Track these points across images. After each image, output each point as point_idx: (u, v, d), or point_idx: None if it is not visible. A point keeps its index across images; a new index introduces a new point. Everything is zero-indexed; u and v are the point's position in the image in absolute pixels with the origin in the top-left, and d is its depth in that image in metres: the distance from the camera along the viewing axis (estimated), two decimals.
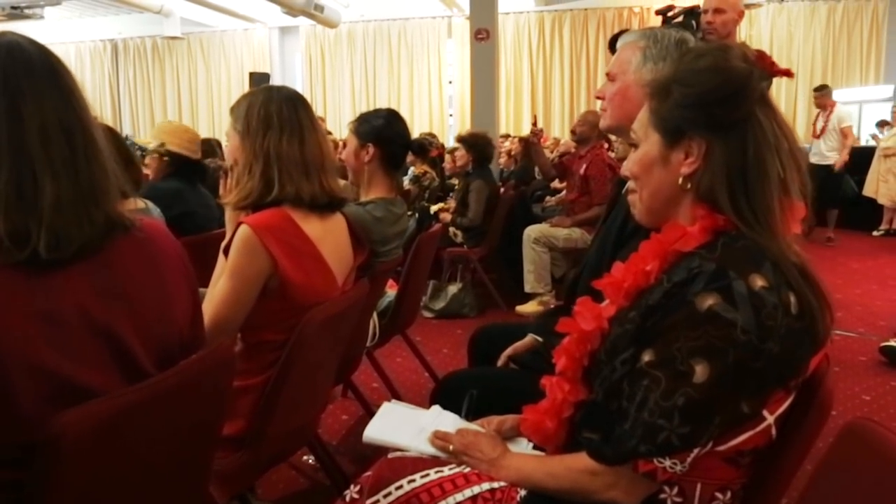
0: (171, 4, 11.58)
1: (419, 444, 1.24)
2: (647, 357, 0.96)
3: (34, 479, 0.86)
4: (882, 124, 8.49)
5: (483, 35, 6.25)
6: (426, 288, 4.37)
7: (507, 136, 9.14)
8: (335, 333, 1.70)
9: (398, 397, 2.80)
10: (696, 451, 0.95)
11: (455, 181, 5.61)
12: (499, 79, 6.90)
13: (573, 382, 1.09)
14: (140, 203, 2.45)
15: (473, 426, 1.31)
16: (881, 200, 7.93)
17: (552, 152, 7.43)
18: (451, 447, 1.21)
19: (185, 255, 1.13)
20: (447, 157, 5.56)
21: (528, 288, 4.52)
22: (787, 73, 1.18)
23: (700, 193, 1.02)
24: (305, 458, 2.41)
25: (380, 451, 1.29)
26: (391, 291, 2.75)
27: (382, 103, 13.30)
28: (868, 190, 8.05)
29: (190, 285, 1.12)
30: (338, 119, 13.39)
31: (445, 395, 1.60)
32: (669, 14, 3.39)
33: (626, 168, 1.13)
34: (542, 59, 12.62)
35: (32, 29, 13.39)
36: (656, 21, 3.63)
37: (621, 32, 1.88)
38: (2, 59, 0.91)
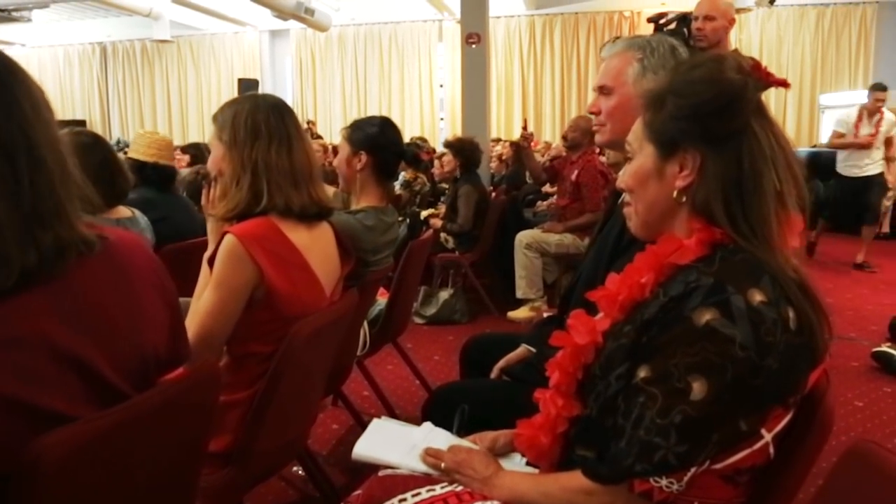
0: (160, 7, 11.53)
1: (410, 462, 1.22)
2: (643, 373, 0.94)
3: None
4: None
5: (474, 39, 6.24)
6: (417, 294, 4.34)
7: (498, 140, 9.14)
8: (324, 345, 1.68)
9: (389, 406, 2.78)
10: (693, 469, 0.93)
11: (446, 186, 5.60)
12: (490, 83, 6.89)
13: (567, 397, 1.07)
14: (126, 212, 2.42)
15: (466, 442, 1.29)
16: None
17: (543, 156, 7.43)
18: (442, 465, 1.19)
19: (161, 268, 1.08)
20: (435, 162, 5.55)
21: (519, 294, 4.50)
22: (784, 84, 1.16)
23: (696, 206, 1.01)
24: (295, 468, 2.37)
25: (370, 464, 1.27)
26: (381, 299, 2.72)
27: (373, 107, 13.30)
28: None
29: (166, 299, 1.08)
30: (328, 123, 13.37)
31: (437, 408, 1.58)
32: (661, 22, 3.39)
33: (622, 181, 1.11)
34: (533, 62, 12.66)
35: (20, 32, 13.33)
36: (647, 26, 3.62)
37: (615, 40, 1.85)
38: None
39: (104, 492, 0.97)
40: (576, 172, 4.54)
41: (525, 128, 5.20)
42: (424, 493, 1.12)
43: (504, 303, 4.67)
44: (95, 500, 0.96)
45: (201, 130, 13.66)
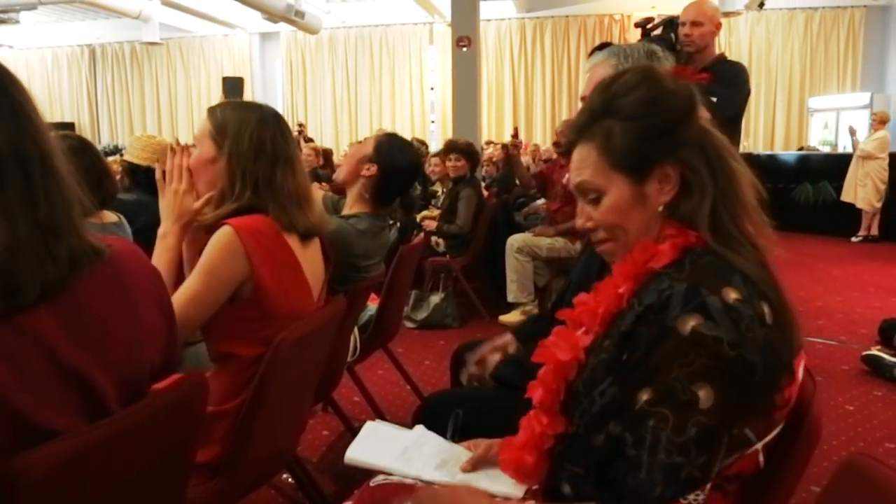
0: (149, 9, 11.47)
1: (402, 466, 1.22)
2: (645, 396, 0.92)
3: None
4: (852, 131, 8.46)
5: (465, 42, 6.25)
6: (408, 298, 4.33)
7: (489, 143, 9.14)
8: (312, 352, 1.67)
9: (380, 412, 2.77)
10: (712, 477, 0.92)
11: (438, 188, 5.58)
12: (480, 86, 6.90)
13: (551, 415, 1.06)
14: (113, 216, 2.41)
15: (460, 448, 1.28)
16: (859, 205, 8.01)
17: (534, 161, 7.42)
18: None
19: (157, 276, 1.08)
20: (435, 160, 5.53)
21: (510, 297, 4.50)
22: (703, 78, 1.22)
23: (679, 214, 1.01)
24: (285, 476, 2.35)
25: (362, 470, 1.26)
26: (372, 305, 2.71)
27: (364, 110, 13.28)
28: (846, 195, 8.13)
29: (163, 308, 1.07)
30: (318, 126, 13.35)
31: (430, 415, 1.57)
32: (649, 27, 3.40)
33: (597, 222, 1.07)
34: (524, 65, 12.68)
35: (8, 34, 13.24)
36: (636, 30, 3.63)
37: (603, 45, 1.85)
38: None
39: None
40: (567, 176, 4.54)
41: (515, 135, 5.19)
42: None
43: (495, 307, 4.67)
44: None
45: (191, 133, 13.56)
